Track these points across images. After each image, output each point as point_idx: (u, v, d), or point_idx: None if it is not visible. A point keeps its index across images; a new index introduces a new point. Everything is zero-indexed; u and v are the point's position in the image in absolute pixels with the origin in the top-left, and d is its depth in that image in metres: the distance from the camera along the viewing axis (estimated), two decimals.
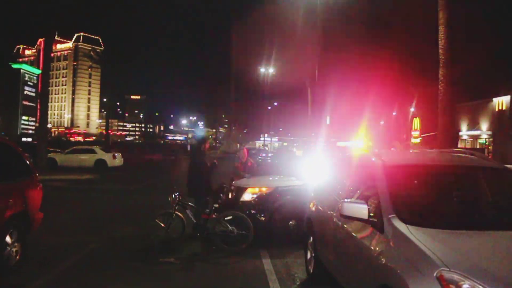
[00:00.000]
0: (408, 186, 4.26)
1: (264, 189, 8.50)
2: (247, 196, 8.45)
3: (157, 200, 11.84)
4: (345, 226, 4.28)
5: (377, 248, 3.47)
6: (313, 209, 5.95)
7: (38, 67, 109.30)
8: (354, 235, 4.01)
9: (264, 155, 33.77)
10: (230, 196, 8.98)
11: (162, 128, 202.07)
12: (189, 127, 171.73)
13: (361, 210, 3.68)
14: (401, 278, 2.89)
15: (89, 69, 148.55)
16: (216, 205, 7.87)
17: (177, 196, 7.75)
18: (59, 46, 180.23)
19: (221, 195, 8.74)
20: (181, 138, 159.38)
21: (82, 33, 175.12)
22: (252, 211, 8.17)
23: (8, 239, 6.06)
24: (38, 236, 7.23)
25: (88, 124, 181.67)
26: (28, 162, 7.04)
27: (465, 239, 3.25)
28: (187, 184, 8.91)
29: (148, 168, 31.80)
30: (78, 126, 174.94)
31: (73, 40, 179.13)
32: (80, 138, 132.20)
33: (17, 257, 6.25)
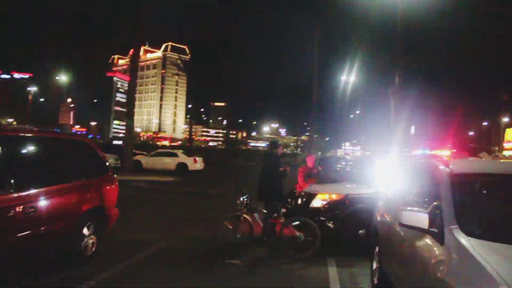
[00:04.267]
0: (475, 196, 3.94)
1: (334, 196, 8.31)
2: (317, 203, 8.31)
3: (230, 203, 12.02)
4: (407, 235, 4.03)
5: (436, 261, 3.21)
6: (379, 217, 5.69)
7: (130, 76, 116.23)
8: (415, 245, 3.75)
9: (343, 163, 33.13)
10: (300, 201, 8.88)
11: (244, 134, 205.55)
12: (271, 134, 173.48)
13: (421, 219, 3.43)
14: None
15: (176, 77, 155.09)
16: (284, 210, 7.82)
17: (245, 199, 7.80)
18: (149, 56, 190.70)
19: (290, 200, 8.67)
20: (263, 144, 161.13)
21: (170, 43, 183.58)
22: (322, 218, 8.02)
23: (85, 231, 6.45)
24: (113, 231, 7.60)
25: (174, 129, 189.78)
26: (105, 160, 7.43)
27: None
28: (258, 187, 8.95)
29: (227, 173, 32.45)
30: (165, 131, 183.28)
31: (161, 49, 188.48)
32: (166, 143, 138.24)
33: (93, 249, 6.63)
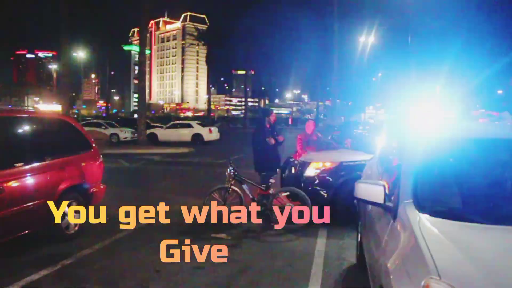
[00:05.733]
0: (443, 166, 3.36)
1: (328, 164, 7.97)
2: (310, 171, 8.00)
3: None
4: (370, 209, 3.69)
5: (385, 241, 2.86)
6: None
7: (149, 48, 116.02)
8: (375, 220, 3.42)
9: (361, 127, 32.18)
10: (293, 171, 8.60)
11: (267, 102, 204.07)
12: (294, 101, 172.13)
13: (376, 192, 3.02)
14: (390, 282, 2.33)
15: (197, 47, 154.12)
16: (273, 181, 7.56)
17: (232, 170, 7.56)
18: (168, 27, 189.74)
19: (277, 170, 8.38)
20: (286, 112, 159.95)
21: (189, 13, 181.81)
22: (316, 187, 7.75)
23: (66, 209, 6.35)
24: (106, 208, 7.48)
25: (197, 100, 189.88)
26: (87, 137, 7.25)
27: (496, 237, 2.49)
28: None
29: (242, 142, 32.28)
30: (188, 102, 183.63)
31: (180, 20, 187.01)
32: (189, 114, 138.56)
33: (76, 227, 6.55)
